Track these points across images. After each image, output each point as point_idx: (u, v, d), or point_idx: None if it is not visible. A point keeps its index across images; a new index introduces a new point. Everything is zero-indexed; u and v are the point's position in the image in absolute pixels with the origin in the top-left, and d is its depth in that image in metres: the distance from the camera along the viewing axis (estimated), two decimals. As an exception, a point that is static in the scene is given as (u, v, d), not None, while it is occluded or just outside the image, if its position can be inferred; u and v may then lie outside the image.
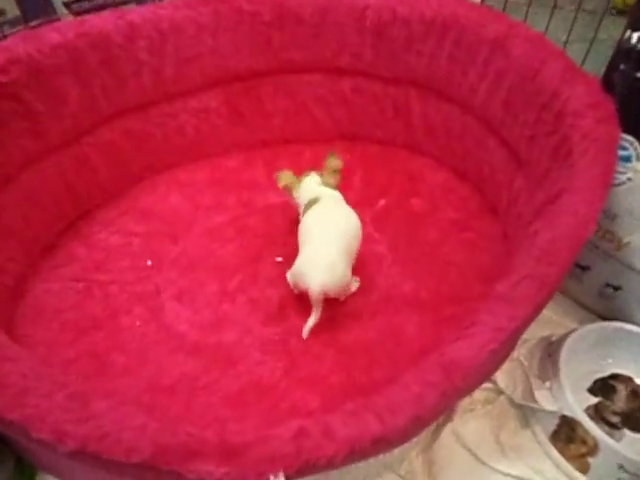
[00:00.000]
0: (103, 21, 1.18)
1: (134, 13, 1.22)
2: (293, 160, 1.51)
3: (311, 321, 1.02)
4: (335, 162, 1.20)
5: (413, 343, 1.06)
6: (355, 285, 1.14)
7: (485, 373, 0.90)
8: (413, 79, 1.37)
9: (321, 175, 1.22)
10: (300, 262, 1.05)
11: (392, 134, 1.52)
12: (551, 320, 1.16)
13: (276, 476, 0.67)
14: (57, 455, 0.70)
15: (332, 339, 1.07)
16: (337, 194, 1.20)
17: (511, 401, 1.02)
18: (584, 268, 1.12)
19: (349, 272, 1.05)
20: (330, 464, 0.66)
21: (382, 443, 0.68)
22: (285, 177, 1.23)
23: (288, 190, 1.23)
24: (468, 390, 0.83)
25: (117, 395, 0.98)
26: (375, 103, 1.47)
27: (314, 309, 1.01)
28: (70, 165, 1.25)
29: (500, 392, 1.03)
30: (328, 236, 1.05)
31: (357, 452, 0.65)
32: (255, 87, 1.45)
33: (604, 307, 1.13)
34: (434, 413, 0.80)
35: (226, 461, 0.67)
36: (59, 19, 1.52)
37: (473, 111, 1.27)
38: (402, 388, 0.77)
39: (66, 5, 1.48)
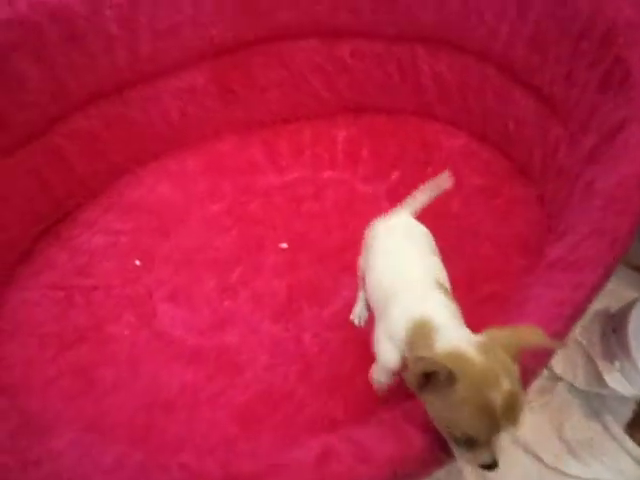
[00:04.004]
0: (62, -10, 1.03)
1: (98, -21, 1.07)
2: (293, 139, 1.36)
3: None
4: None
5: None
6: None
7: (547, 359, 0.74)
8: (420, 32, 1.20)
9: None
10: None
11: (400, 100, 1.35)
12: (605, 289, 0.99)
13: None
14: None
15: (352, 332, 0.92)
16: None
17: (572, 388, 0.86)
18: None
19: None
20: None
21: (430, 461, 0.53)
22: None
23: None
24: (528, 383, 0.67)
25: (107, 417, 0.85)
26: (379, 67, 1.31)
27: None
28: (41, 160, 1.11)
29: (558, 379, 0.87)
30: None
31: (401, 475, 0.50)
32: (245, 59, 1.29)
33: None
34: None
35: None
36: None
37: (493, 59, 1.11)
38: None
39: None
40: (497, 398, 0.52)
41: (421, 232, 0.83)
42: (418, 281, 0.70)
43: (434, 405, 0.56)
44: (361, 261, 0.86)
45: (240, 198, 1.22)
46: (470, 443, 0.54)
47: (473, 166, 1.22)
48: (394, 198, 1.17)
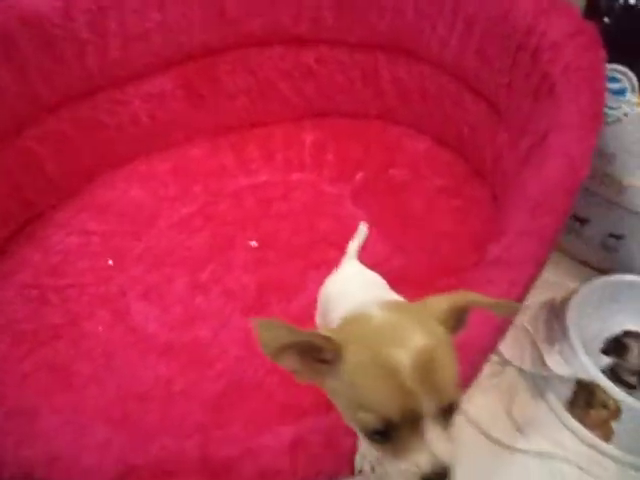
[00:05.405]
0: (33, -4, 1.06)
1: (68, -13, 1.10)
2: (263, 144, 1.41)
3: None
4: None
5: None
6: None
7: (492, 350, 0.81)
8: (379, 41, 1.28)
9: None
10: None
11: (364, 105, 1.42)
12: (551, 282, 1.08)
13: None
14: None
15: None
16: None
17: (520, 371, 0.93)
18: (583, 221, 1.04)
19: None
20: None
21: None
22: None
23: None
24: (476, 374, 0.74)
25: (83, 409, 0.88)
26: (342, 73, 1.38)
27: None
28: (13, 162, 1.13)
29: (507, 363, 0.94)
30: None
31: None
32: (212, 65, 1.34)
33: (607, 261, 1.05)
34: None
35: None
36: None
37: (446, 68, 1.19)
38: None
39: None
40: (403, 357, 0.39)
41: (372, 276, 0.76)
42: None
43: (337, 394, 0.44)
44: (318, 319, 0.80)
45: (210, 200, 1.26)
46: (391, 436, 0.40)
47: (435, 168, 1.30)
48: (358, 198, 1.25)
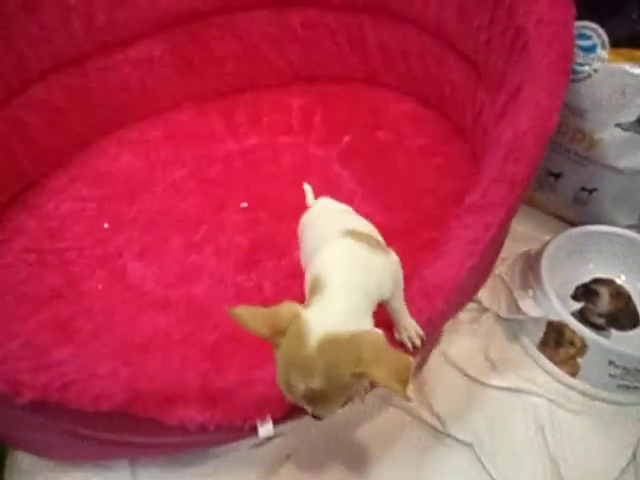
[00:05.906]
0: (16, -40, 1.06)
1: (52, -49, 1.10)
2: (251, 109, 1.44)
3: None
4: None
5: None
6: None
7: (469, 292, 0.87)
8: (365, 3, 1.29)
9: None
10: None
11: (350, 69, 1.45)
12: (527, 236, 1.14)
13: (263, 421, 0.64)
14: (21, 417, 0.66)
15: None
16: None
17: (497, 317, 1.00)
18: (557, 176, 1.09)
19: None
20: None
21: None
22: None
23: None
24: (453, 312, 0.79)
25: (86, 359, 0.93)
26: (329, 37, 1.40)
27: None
28: (4, 131, 1.15)
29: (485, 310, 1.01)
30: None
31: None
32: (200, 30, 1.35)
33: (579, 214, 1.11)
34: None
35: (209, 406, 0.63)
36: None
37: (428, 28, 1.21)
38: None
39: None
40: (300, 388, 0.53)
41: (340, 206, 0.89)
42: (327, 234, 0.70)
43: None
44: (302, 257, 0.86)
45: (201, 164, 1.29)
46: None
47: (417, 128, 1.33)
48: (345, 160, 1.28)
